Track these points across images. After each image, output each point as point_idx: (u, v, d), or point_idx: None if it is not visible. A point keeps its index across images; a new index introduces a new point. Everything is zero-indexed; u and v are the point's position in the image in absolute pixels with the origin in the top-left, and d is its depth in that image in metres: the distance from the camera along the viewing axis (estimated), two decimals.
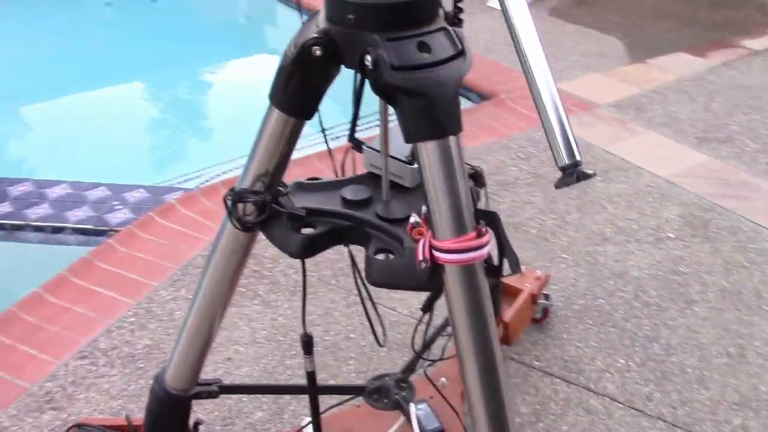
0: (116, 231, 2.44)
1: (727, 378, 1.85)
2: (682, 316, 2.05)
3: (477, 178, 1.30)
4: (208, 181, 2.94)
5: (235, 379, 1.84)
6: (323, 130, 1.24)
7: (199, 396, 1.40)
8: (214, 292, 1.28)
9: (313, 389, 1.32)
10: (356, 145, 1.28)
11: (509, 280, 1.91)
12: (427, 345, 1.54)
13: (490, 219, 1.06)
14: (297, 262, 2.31)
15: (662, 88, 3.44)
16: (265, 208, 1.15)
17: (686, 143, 2.96)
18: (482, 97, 3.43)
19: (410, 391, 1.39)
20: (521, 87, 3.40)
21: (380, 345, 1.47)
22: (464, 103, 3.34)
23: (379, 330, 1.46)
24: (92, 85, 4.27)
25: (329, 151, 1.26)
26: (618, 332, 1.98)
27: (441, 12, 1.07)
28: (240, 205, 1.17)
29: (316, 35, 1.02)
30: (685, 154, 2.89)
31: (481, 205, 1.34)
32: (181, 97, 4.50)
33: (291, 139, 1.14)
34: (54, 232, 2.52)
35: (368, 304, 1.43)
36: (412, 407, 1.32)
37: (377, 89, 1.00)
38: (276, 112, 1.11)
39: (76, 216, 2.55)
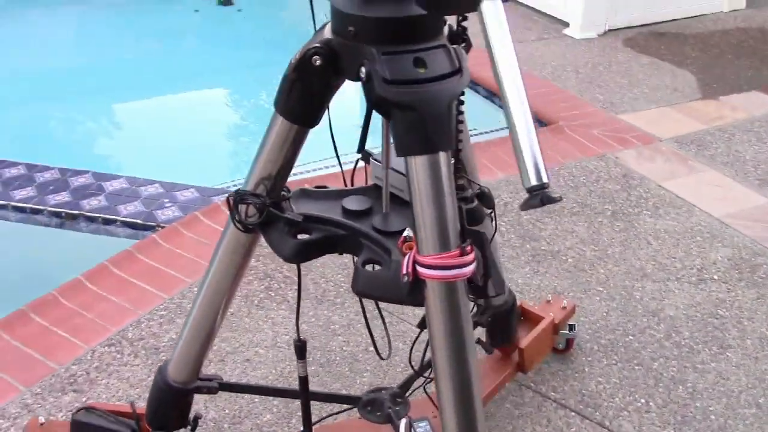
0: (162, 227, 2.52)
1: (752, 429, 1.77)
2: (713, 360, 1.97)
3: (484, 198, 1.29)
4: None
5: (250, 380, 1.87)
6: (333, 141, 1.26)
7: (199, 390, 1.43)
8: (216, 290, 1.32)
9: (305, 395, 1.34)
10: (365, 156, 1.30)
11: (532, 307, 1.89)
12: (430, 362, 1.53)
13: (476, 238, 1.05)
14: (329, 271, 2.33)
15: (730, 126, 3.33)
16: (264, 211, 1.18)
17: (746, 184, 2.85)
18: (542, 123, 3.40)
19: (404, 406, 1.39)
20: (583, 115, 3.37)
21: (381, 358, 1.48)
22: None
23: (387, 343, 1.48)
24: (175, 88, 4.42)
25: (338, 161, 1.28)
26: (643, 371, 1.92)
27: (445, 29, 1.08)
28: (242, 207, 1.21)
29: (317, 45, 1.05)
30: (743, 195, 2.79)
31: (488, 227, 1.33)
32: (260, 105, 4.60)
33: (294, 145, 1.16)
34: (105, 223, 2.62)
35: (373, 318, 1.44)
36: (402, 423, 1.31)
37: (372, 102, 1.02)
38: (280, 119, 1.14)
39: (128, 210, 2.65)
